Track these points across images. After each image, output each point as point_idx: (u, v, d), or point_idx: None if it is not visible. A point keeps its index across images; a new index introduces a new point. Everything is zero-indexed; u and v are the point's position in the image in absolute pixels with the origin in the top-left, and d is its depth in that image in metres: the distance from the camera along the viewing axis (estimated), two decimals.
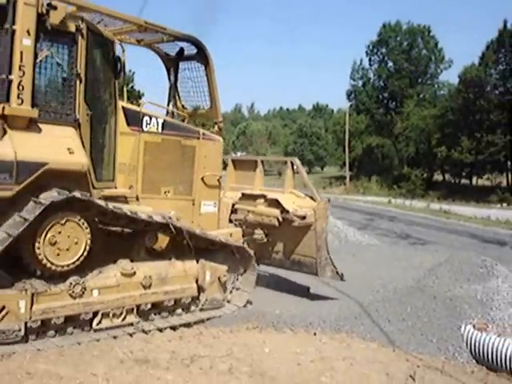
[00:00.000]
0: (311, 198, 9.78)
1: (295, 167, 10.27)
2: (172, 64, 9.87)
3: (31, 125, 6.32)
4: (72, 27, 6.64)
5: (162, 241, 7.83)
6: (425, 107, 63.64)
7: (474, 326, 7.78)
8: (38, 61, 6.36)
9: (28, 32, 6.14)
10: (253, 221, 9.91)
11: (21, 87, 6.13)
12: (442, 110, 58.94)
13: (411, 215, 31.58)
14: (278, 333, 7.62)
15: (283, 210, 9.45)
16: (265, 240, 9.95)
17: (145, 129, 8.00)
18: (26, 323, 6.16)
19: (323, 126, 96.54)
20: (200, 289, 8.10)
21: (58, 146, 6.49)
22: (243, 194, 10.23)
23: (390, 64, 70.12)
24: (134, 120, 7.87)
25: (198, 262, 8.16)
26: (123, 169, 7.70)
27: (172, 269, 7.79)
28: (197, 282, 8.06)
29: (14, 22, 6.08)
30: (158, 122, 8.17)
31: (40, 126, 6.42)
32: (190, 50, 9.41)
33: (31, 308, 6.16)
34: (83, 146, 6.79)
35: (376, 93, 71.20)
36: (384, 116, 69.96)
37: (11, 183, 5.96)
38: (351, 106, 71.38)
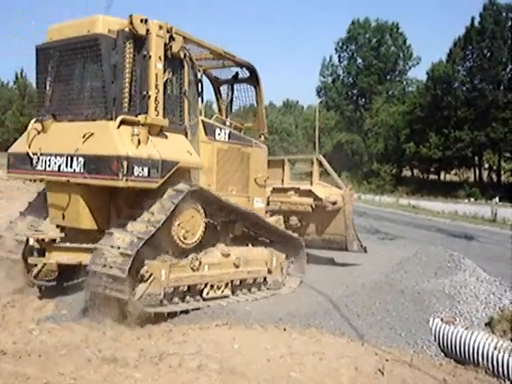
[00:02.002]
0: (337, 186, 11.62)
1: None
2: (220, 85, 11.63)
3: (161, 132, 7.84)
4: (182, 54, 8.34)
5: (244, 229, 9.38)
6: (393, 104, 64.36)
7: (441, 320, 7.84)
8: (164, 81, 7.91)
9: (160, 58, 7.75)
10: (287, 210, 11.58)
11: (156, 102, 7.68)
12: (410, 106, 59.64)
13: (380, 210, 31.84)
14: (248, 329, 7.57)
15: (316, 198, 11.29)
16: (299, 225, 11.65)
17: (217, 138, 9.52)
18: (164, 289, 7.53)
19: (293, 122, 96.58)
20: (269, 271, 9.59)
21: (182, 148, 8.14)
22: (274, 188, 11.77)
23: (359, 61, 70.75)
24: (210, 131, 9.38)
25: (266, 248, 9.74)
26: (203, 170, 9.01)
27: (251, 253, 9.36)
28: (266, 265, 9.54)
29: (149, 50, 7.64)
30: (225, 133, 9.73)
31: (166, 133, 7.94)
32: (242, 73, 11.08)
33: (169, 276, 7.58)
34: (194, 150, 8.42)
35: (345, 89, 71.70)
36: (353, 112, 70.50)
37: (158, 177, 7.49)
38: (321, 102, 71.68)
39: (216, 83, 11.63)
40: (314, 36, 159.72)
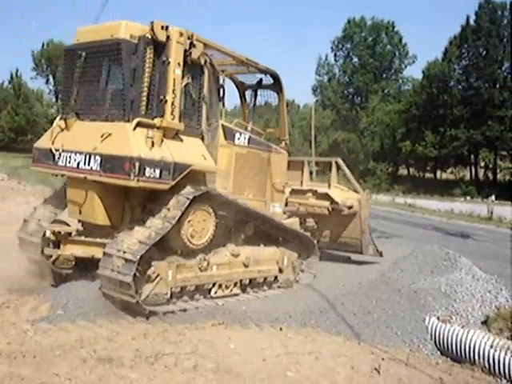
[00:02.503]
0: (354, 190, 11.72)
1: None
2: (245, 90, 11.97)
3: (176, 135, 8.06)
4: (202, 61, 8.50)
5: (254, 229, 9.51)
6: (389, 102, 64.42)
7: (438, 318, 7.86)
8: (182, 86, 8.11)
9: (179, 64, 7.92)
10: (304, 212, 11.62)
11: (173, 106, 7.83)
12: (406, 105, 59.73)
13: (377, 209, 31.67)
14: (244, 329, 7.57)
15: (332, 202, 11.35)
16: (315, 227, 11.67)
17: (236, 142, 9.68)
18: (171, 288, 7.84)
19: (289, 121, 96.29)
20: (280, 270, 9.72)
21: (197, 152, 8.31)
22: (293, 190, 11.79)
23: (355, 59, 70.76)
24: (229, 135, 9.56)
25: (278, 248, 9.85)
26: (220, 173, 9.19)
27: (262, 252, 9.50)
28: (277, 264, 9.68)
29: (169, 56, 7.83)
30: (245, 138, 9.89)
31: (181, 136, 8.14)
32: (266, 80, 11.36)
33: (175, 277, 7.87)
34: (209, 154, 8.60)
35: (341, 88, 71.68)
36: (349, 111, 70.49)
37: (169, 179, 7.67)
38: (317, 101, 71.60)
39: (241, 88, 11.97)
40: (310, 35, 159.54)
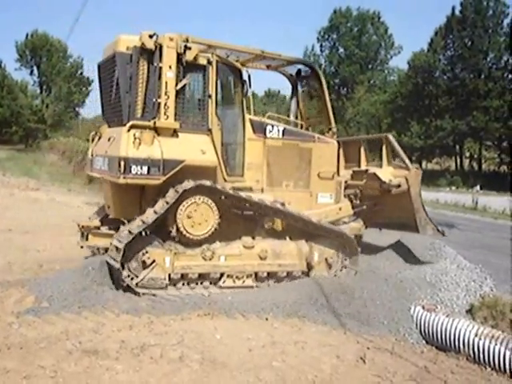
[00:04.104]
0: (405, 167, 10.71)
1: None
2: (295, 82, 12.23)
3: (175, 133, 8.54)
4: (203, 61, 8.86)
5: (278, 223, 9.52)
6: (375, 93, 64.45)
7: (423, 307, 7.90)
8: (178, 87, 8.54)
9: (170, 67, 8.39)
10: (358, 193, 11.21)
11: (166, 107, 8.38)
12: (392, 95, 59.80)
13: None
14: (230, 319, 7.56)
15: (381, 182, 10.64)
16: (373, 209, 11.15)
17: (267, 135, 9.87)
18: (169, 275, 8.42)
19: (276, 112, 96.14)
20: (308, 266, 9.50)
21: (194, 148, 8.61)
22: (354, 171, 11.43)
23: (341, 50, 70.58)
24: (259, 129, 9.80)
25: (306, 243, 9.61)
26: (251, 166, 9.65)
27: (285, 247, 9.37)
28: (305, 259, 9.47)
29: (160, 61, 8.37)
30: (278, 130, 10.03)
31: (182, 134, 8.61)
32: (305, 70, 11.77)
33: (173, 264, 8.42)
34: (215, 149, 8.88)
35: (327, 78, 71.24)
36: (335, 102, 70.43)
37: (159, 175, 8.18)
38: (303, 91, 71.43)
39: (291, 80, 12.26)
40: (296, 26, 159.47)
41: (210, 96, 8.93)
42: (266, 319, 7.67)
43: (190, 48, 8.58)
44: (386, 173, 10.76)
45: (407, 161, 10.68)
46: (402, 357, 6.73)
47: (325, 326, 7.58)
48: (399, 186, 10.41)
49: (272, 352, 6.40)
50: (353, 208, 10.95)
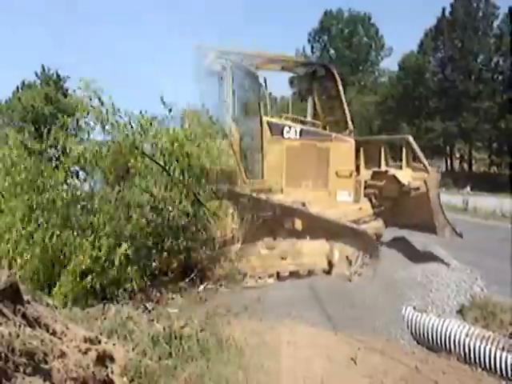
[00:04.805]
0: (424, 170, 10.74)
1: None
2: (311, 82, 12.44)
3: None
4: (218, 67, 9.10)
5: (298, 224, 9.61)
6: (366, 94, 64.51)
7: (414, 308, 7.91)
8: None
9: None
10: (377, 194, 11.38)
11: None
12: (382, 96, 59.97)
13: None
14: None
15: (400, 184, 10.81)
16: (390, 209, 11.27)
17: (285, 136, 10.04)
18: None
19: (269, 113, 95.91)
20: (329, 264, 9.74)
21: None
22: (374, 172, 11.53)
23: (332, 51, 70.67)
24: (276, 130, 9.98)
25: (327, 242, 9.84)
26: (270, 168, 9.81)
27: (306, 246, 9.58)
28: (327, 258, 9.73)
29: None
30: (296, 131, 10.16)
31: None
32: (321, 71, 11.97)
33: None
34: (234, 152, 9.11)
35: None
36: None
37: None
38: (294, 93, 71.54)
39: (305, 80, 12.60)
40: (285, 27, 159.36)
41: (225, 102, 9.14)
42: (260, 320, 7.65)
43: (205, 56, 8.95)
44: (406, 175, 10.90)
45: (426, 163, 10.72)
46: (393, 357, 6.72)
47: (316, 327, 7.56)
48: (418, 188, 10.55)
49: (263, 353, 6.37)
50: (373, 208, 11.13)
